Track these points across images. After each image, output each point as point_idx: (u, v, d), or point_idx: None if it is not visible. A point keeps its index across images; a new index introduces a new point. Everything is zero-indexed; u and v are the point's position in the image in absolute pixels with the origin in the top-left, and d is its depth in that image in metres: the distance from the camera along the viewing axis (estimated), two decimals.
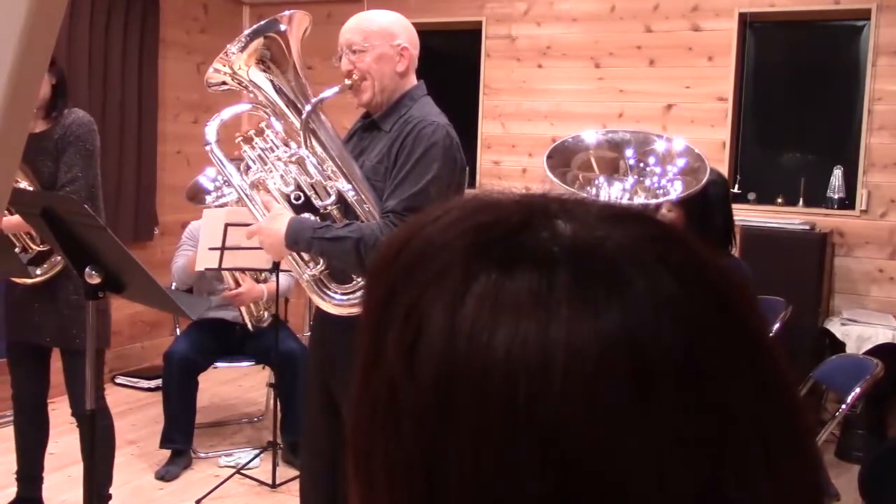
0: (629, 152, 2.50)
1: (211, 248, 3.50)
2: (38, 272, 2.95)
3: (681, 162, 2.46)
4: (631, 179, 2.44)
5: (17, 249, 2.94)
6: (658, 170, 2.46)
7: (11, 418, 3.28)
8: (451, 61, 5.55)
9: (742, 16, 4.63)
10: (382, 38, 2.38)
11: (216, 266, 3.57)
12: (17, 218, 2.70)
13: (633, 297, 0.41)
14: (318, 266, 2.35)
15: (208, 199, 3.88)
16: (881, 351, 3.90)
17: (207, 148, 2.41)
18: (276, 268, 3.61)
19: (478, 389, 0.41)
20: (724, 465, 0.41)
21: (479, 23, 5.23)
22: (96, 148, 2.97)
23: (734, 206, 4.50)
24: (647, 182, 2.43)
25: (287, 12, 2.41)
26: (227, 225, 3.43)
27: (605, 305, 0.41)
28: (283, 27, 2.39)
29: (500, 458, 0.40)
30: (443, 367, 0.42)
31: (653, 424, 0.40)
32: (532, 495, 0.40)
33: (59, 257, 2.92)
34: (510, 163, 5.22)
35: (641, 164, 2.48)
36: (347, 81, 2.38)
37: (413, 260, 0.46)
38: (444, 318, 0.42)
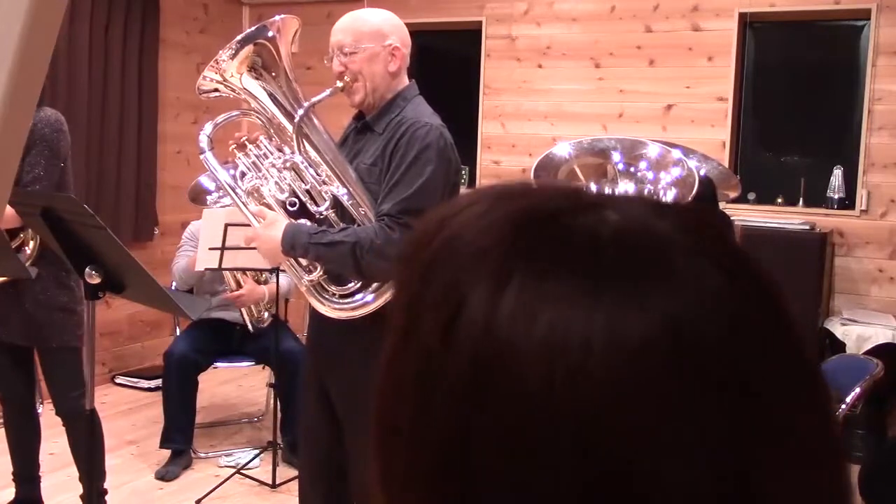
0: (616, 157, 2.48)
1: (211, 249, 3.50)
2: None
3: (676, 171, 2.44)
4: (622, 185, 2.43)
5: None
6: (650, 175, 2.45)
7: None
8: (451, 61, 5.55)
9: (742, 16, 4.63)
10: (373, 38, 2.37)
11: (216, 266, 3.57)
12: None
13: (677, 286, 0.41)
14: (317, 272, 2.36)
15: (210, 199, 3.88)
16: (881, 351, 3.90)
17: (202, 157, 2.42)
18: (276, 268, 3.61)
19: (515, 370, 0.40)
20: (756, 458, 0.41)
21: (479, 23, 5.23)
22: (62, 148, 2.90)
23: (734, 206, 4.52)
24: (640, 188, 2.41)
25: (277, 17, 2.42)
26: (226, 225, 3.44)
27: (650, 293, 0.41)
28: (271, 33, 2.39)
29: (534, 440, 0.40)
30: (481, 345, 0.41)
31: (690, 414, 0.40)
32: (562, 479, 0.40)
33: (25, 258, 2.91)
34: (510, 163, 5.22)
35: (632, 170, 2.46)
36: (339, 83, 2.39)
37: (454, 235, 0.45)
38: (486, 296, 0.42)
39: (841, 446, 0.46)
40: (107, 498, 3.21)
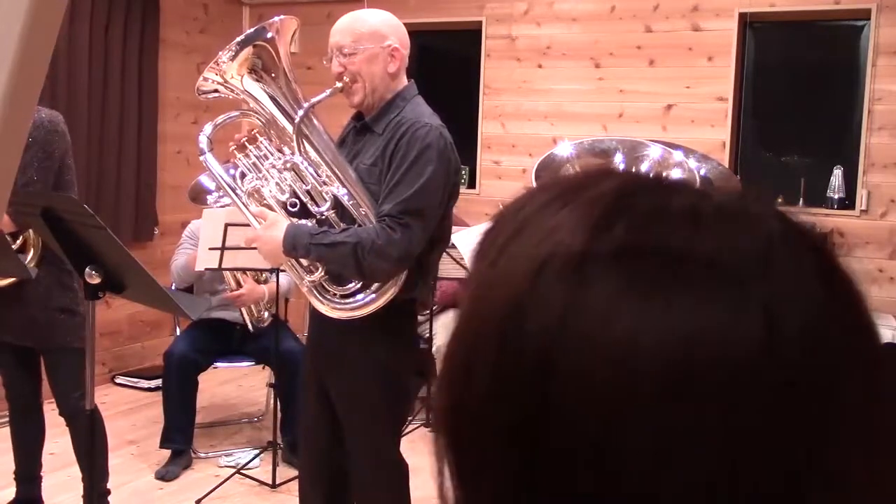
0: (618, 158, 2.48)
1: (211, 249, 3.50)
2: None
3: (677, 173, 2.44)
4: None
5: None
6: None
7: (7, 419, 3.29)
8: (451, 61, 5.55)
9: (742, 16, 4.63)
10: (372, 39, 2.37)
11: (216, 266, 3.57)
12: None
13: (775, 281, 0.39)
14: (318, 272, 2.36)
15: (210, 198, 3.88)
16: None
17: (202, 158, 2.42)
18: (276, 268, 3.61)
19: (587, 366, 0.39)
20: (817, 468, 0.39)
21: (479, 23, 5.23)
22: (56, 150, 2.88)
23: None
24: None
25: (276, 18, 2.42)
26: (227, 225, 3.44)
27: (745, 283, 0.39)
28: (270, 34, 2.40)
29: (603, 417, 0.39)
30: (548, 340, 0.40)
31: (765, 410, 0.38)
32: (625, 466, 0.39)
33: (27, 260, 2.91)
34: (510, 163, 5.22)
35: (633, 171, 2.47)
36: (338, 84, 2.39)
37: (537, 212, 0.44)
38: (566, 272, 0.40)
39: None
40: (109, 498, 3.22)
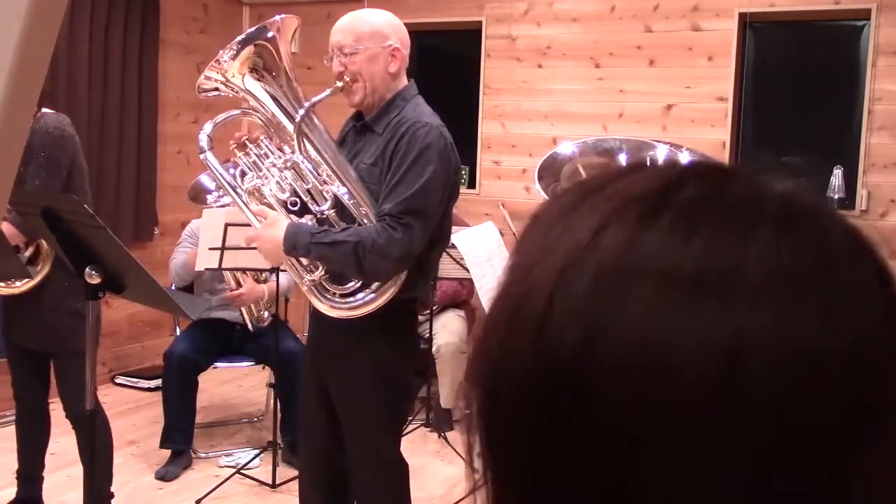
0: (622, 158, 2.47)
1: (211, 249, 3.50)
2: (18, 283, 2.94)
3: None
4: None
5: None
6: None
7: (12, 418, 3.29)
8: (451, 61, 5.55)
9: (742, 16, 4.63)
10: (373, 39, 2.38)
11: (216, 266, 3.57)
12: (6, 226, 2.71)
13: (839, 287, 0.38)
14: (318, 272, 2.36)
15: (210, 198, 3.88)
16: None
17: (202, 156, 2.42)
18: (276, 267, 3.61)
19: (625, 371, 0.38)
20: (859, 470, 0.39)
21: (479, 23, 5.23)
22: (64, 156, 2.86)
23: None
24: None
25: (277, 17, 2.42)
26: (227, 225, 3.44)
27: (805, 299, 0.38)
28: (271, 34, 2.40)
29: (640, 424, 0.38)
30: (582, 346, 0.39)
31: (808, 429, 0.37)
32: (655, 467, 0.38)
33: (40, 267, 2.92)
34: (510, 163, 5.22)
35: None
36: (339, 83, 2.39)
37: (584, 197, 0.43)
38: (603, 274, 0.39)
39: None
40: (112, 501, 3.22)
